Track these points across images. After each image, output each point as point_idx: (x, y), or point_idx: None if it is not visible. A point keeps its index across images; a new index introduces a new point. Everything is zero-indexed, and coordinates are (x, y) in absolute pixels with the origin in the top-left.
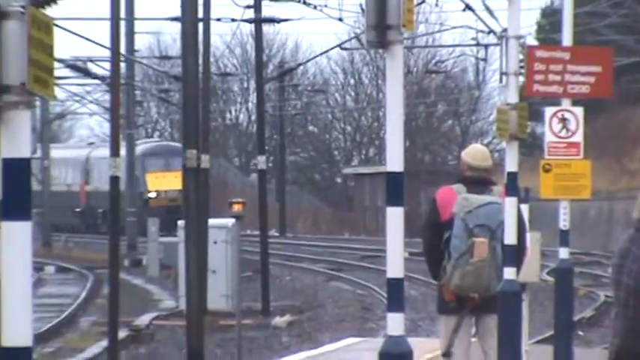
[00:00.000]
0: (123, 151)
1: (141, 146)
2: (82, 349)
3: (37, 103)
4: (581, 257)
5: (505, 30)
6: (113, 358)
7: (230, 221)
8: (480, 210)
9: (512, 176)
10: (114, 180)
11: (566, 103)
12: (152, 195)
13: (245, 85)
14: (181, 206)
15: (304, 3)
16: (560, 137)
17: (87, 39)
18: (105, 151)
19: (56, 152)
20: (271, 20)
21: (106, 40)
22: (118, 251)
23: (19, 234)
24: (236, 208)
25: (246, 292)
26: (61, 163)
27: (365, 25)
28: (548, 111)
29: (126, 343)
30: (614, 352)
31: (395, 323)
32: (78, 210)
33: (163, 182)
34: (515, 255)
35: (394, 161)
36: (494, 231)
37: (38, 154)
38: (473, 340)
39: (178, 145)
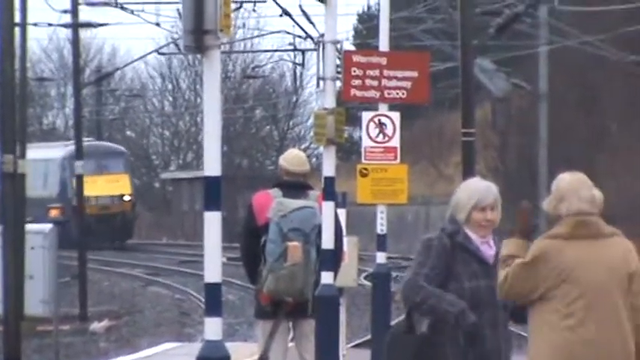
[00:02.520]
0: None
1: (69, 147)
2: None
3: None
4: (399, 261)
5: (322, 35)
6: None
7: (48, 227)
8: (294, 214)
9: (329, 181)
10: None
11: (383, 108)
12: None
13: (62, 90)
14: (116, 215)
15: (121, 8)
16: (377, 142)
17: None
18: None
19: None
20: (88, 25)
21: None
22: None
23: None
24: (53, 213)
25: (64, 297)
26: None
27: (182, 30)
28: (365, 116)
29: None
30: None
31: (212, 328)
32: None
33: (94, 187)
34: (333, 259)
35: (211, 166)
36: (308, 235)
37: None
38: (290, 344)
39: (113, 145)
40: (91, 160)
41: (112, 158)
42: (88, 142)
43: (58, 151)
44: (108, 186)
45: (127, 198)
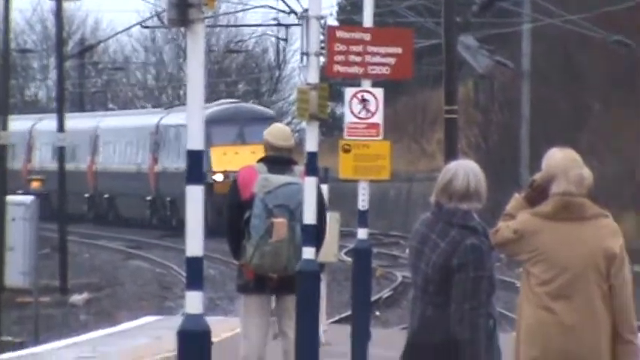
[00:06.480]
0: None
1: (209, 110)
2: None
3: None
4: (380, 238)
5: (306, 10)
6: None
7: (29, 198)
8: (280, 190)
9: (311, 156)
10: None
11: (366, 84)
12: (217, 177)
13: (45, 62)
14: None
15: None
16: (359, 118)
17: None
18: None
19: None
20: None
21: None
22: None
23: None
24: (35, 185)
25: (44, 269)
26: None
27: (166, 2)
28: (348, 92)
29: None
30: (410, 339)
31: (193, 302)
32: None
33: (234, 160)
34: (314, 235)
35: (194, 140)
36: (293, 211)
37: None
38: (272, 319)
39: (260, 108)
40: (232, 126)
41: (258, 124)
42: (229, 104)
43: None
44: (253, 158)
45: None
